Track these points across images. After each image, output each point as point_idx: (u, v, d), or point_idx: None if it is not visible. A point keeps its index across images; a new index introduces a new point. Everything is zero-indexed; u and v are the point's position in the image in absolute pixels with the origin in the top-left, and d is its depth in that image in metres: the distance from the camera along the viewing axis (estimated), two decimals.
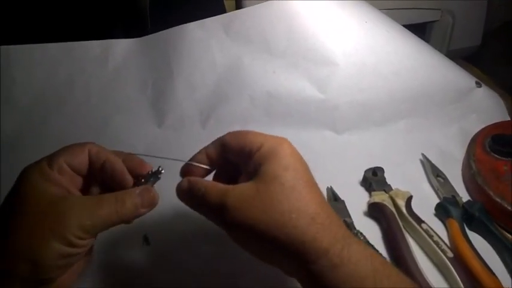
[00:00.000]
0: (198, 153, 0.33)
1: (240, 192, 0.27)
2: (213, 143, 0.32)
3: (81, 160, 0.30)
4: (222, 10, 0.60)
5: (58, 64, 0.54)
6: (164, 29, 0.55)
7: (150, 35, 0.56)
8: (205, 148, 0.33)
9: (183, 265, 0.38)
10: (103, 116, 0.52)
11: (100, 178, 0.31)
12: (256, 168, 0.28)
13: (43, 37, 0.54)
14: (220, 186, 0.28)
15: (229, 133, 0.32)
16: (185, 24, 0.55)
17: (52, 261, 0.26)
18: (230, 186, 0.28)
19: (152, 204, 0.31)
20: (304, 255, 0.25)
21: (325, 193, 0.44)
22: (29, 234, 0.26)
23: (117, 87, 0.54)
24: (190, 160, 0.33)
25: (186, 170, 0.33)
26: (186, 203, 0.31)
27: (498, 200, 0.40)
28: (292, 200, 0.26)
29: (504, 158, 0.44)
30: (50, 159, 0.29)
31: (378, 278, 0.25)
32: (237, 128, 0.54)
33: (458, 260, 0.36)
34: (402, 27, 0.55)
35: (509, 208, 0.39)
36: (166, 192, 0.44)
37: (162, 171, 0.32)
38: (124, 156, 0.32)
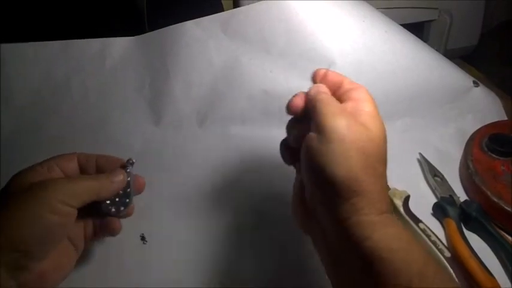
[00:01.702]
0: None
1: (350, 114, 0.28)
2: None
3: (72, 166, 0.33)
4: (219, 9, 0.60)
5: (55, 62, 0.53)
6: (162, 27, 0.55)
7: (148, 33, 0.55)
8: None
9: (179, 264, 0.38)
10: (100, 115, 0.52)
11: None
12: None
13: (40, 35, 0.53)
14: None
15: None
16: (182, 23, 0.54)
17: (38, 231, 0.27)
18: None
19: (122, 182, 0.34)
20: (364, 206, 0.26)
21: None
22: (16, 211, 0.27)
23: (114, 85, 0.53)
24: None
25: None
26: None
27: (495, 199, 0.40)
28: (372, 155, 0.27)
29: (501, 158, 0.44)
30: (42, 162, 0.32)
31: (421, 247, 0.26)
32: (234, 127, 0.55)
33: (456, 260, 0.36)
34: (400, 26, 0.55)
35: (507, 208, 0.40)
36: (163, 192, 0.44)
37: (134, 160, 0.37)
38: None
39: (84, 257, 0.37)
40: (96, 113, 0.53)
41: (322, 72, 0.33)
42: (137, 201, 0.43)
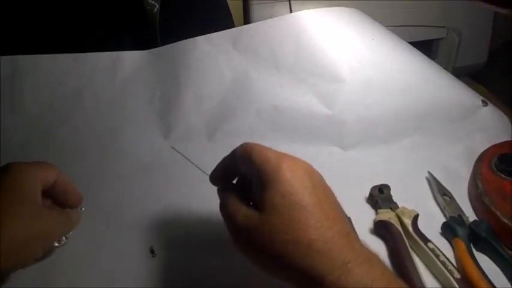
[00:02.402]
0: (219, 163, 0.35)
1: (247, 219, 0.28)
2: (230, 154, 0.34)
3: (51, 174, 0.36)
4: (230, 25, 0.61)
5: (66, 75, 0.54)
6: (173, 42, 0.56)
7: (159, 48, 0.56)
8: (223, 158, 0.35)
9: (187, 277, 0.38)
10: (110, 127, 0.53)
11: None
12: (258, 193, 0.29)
13: (53, 48, 0.54)
14: (240, 208, 0.30)
15: (239, 146, 0.33)
16: (194, 38, 0.55)
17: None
18: (244, 210, 0.29)
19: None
20: (302, 283, 0.26)
21: None
22: None
23: (125, 98, 0.54)
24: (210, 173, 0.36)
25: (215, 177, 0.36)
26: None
27: (505, 220, 0.40)
28: (289, 230, 0.26)
29: (511, 178, 0.44)
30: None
31: None
32: (243, 141, 0.55)
33: (466, 281, 0.36)
34: (408, 44, 0.56)
35: None
36: (175, 206, 0.45)
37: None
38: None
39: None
40: (107, 124, 0.53)
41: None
42: (146, 212, 0.44)
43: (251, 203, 0.31)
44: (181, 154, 0.39)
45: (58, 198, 0.38)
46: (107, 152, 0.51)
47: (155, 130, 0.53)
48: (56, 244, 0.38)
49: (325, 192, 0.29)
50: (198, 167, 0.39)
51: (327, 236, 0.26)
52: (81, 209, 0.41)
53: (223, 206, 0.32)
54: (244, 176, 0.34)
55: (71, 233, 0.39)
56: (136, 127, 0.53)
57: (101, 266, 0.38)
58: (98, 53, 0.55)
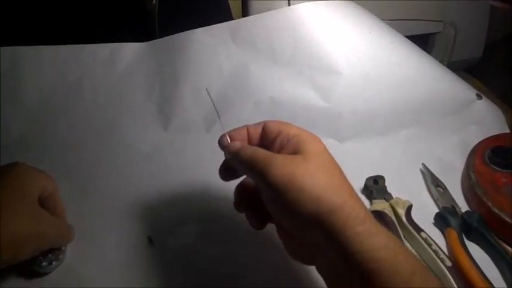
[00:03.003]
0: (240, 127, 0.35)
1: (285, 157, 0.29)
2: (256, 124, 0.34)
3: (50, 186, 0.38)
4: (229, 17, 0.61)
5: (66, 66, 0.54)
6: (172, 34, 0.56)
7: (158, 40, 0.57)
8: (248, 125, 0.35)
9: (186, 266, 0.38)
10: (110, 119, 0.53)
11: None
12: (296, 147, 0.30)
13: (52, 39, 0.55)
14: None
15: (269, 120, 0.34)
16: (192, 30, 0.56)
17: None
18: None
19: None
20: (343, 220, 0.26)
21: None
22: None
23: (124, 90, 0.54)
24: (230, 131, 0.35)
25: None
26: (233, 163, 0.33)
27: (497, 211, 0.41)
28: (335, 175, 0.29)
29: (503, 170, 0.45)
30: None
31: (408, 253, 0.27)
32: None
33: (456, 269, 0.37)
34: (405, 38, 0.56)
35: (508, 220, 0.40)
36: (173, 195, 0.45)
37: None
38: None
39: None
40: (106, 116, 0.54)
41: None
42: (145, 203, 0.45)
43: None
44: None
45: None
46: (106, 143, 0.52)
47: (154, 122, 0.54)
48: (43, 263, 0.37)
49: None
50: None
51: (356, 197, 0.28)
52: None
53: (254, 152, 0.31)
54: None
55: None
56: (135, 118, 0.53)
57: (100, 255, 0.39)
58: (97, 44, 0.55)
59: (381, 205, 0.42)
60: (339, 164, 0.49)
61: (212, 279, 0.37)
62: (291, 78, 0.55)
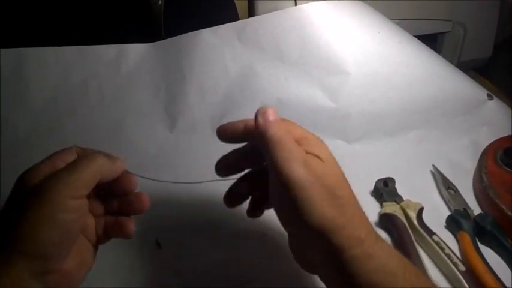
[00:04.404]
0: (238, 121, 0.33)
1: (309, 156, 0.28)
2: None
3: (72, 159, 0.31)
4: (235, 18, 0.61)
5: (72, 67, 0.54)
6: (178, 34, 0.56)
7: (164, 40, 0.56)
8: (246, 121, 0.33)
9: (193, 270, 0.38)
10: (115, 120, 0.53)
11: None
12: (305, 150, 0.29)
13: (57, 40, 0.54)
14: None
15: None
16: (199, 31, 0.55)
17: (50, 231, 0.26)
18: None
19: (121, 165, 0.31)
20: (342, 241, 0.26)
21: None
22: (26, 221, 0.26)
23: (130, 91, 0.54)
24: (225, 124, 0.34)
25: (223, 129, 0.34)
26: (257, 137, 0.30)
27: (510, 214, 0.40)
28: (339, 194, 0.27)
29: None
30: (43, 160, 0.30)
31: (408, 274, 0.26)
32: None
33: (471, 274, 0.36)
34: (414, 37, 0.56)
35: None
36: (180, 198, 0.45)
37: None
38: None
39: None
40: (112, 117, 0.53)
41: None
42: (152, 205, 0.44)
43: None
44: None
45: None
46: (112, 145, 0.51)
47: (160, 123, 0.53)
48: None
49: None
50: None
51: (362, 210, 0.28)
52: None
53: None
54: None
55: None
56: (141, 120, 0.53)
57: (107, 260, 0.38)
58: (102, 45, 0.55)
59: (391, 208, 0.42)
60: (348, 166, 0.48)
61: (218, 283, 0.37)
62: (298, 79, 0.55)
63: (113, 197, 0.32)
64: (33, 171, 0.29)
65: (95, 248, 0.32)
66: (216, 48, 0.56)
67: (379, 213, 0.42)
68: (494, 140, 0.49)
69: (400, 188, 0.45)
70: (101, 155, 0.30)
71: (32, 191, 0.27)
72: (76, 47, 0.54)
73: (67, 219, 0.27)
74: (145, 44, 0.56)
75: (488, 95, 0.53)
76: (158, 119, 0.53)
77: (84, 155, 0.30)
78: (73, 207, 0.27)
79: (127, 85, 0.54)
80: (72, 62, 0.54)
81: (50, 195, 0.27)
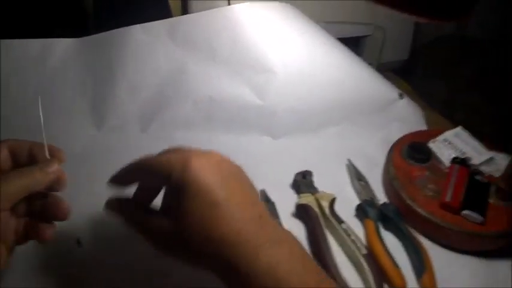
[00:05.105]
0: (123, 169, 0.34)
1: (161, 230, 0.30)
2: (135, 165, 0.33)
3: (3, 154, 0.31)
4: (168, 15, 0.61)
5: None
6: (107, 30, 0.55)
7: (92, 36, 0.55)
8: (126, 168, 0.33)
9: (115, 266, 0.39)
10: (38, 116, 0.51)
11: None
12: (169, 200, 0.30)
13: None
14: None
15: (139, 159, 0.33)
16: (129, 27, 0.55)
17: None
18: (155, 221, 0.30)
19: (57, 173, 0.31)
20: (222, 273, 0.28)
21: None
22: None
23: (55, 87, 0.53)
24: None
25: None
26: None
27: (409, 202, 0.45)
28: (202, 229, 0.28)
29: (417, 164, 0.49)
30: None
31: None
32: (178, 131, 0.56)
33: (371, 257, 0.40)
34: (336, 40, 0.59)
35: (418, 210, 0.44)
36: (98, 197, 0.45)
37: None
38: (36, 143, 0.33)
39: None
40: (35, 114, 0.52)
41: None
42: (73, 205, 0.44)
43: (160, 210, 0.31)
44: None
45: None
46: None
47: (87, 121, 0.53)
48: None
49: (237, 179, 0.30)
50: None
51: (238, 226, 0.28)
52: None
53: (133, 223, 0.32)
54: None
55: None
56: (67, 117, 0.52)
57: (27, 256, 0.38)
58: (27, 39, 0.53)
59: (307, 199, 0.45)
60: (272, 160, 0.51)
61: (141, 277, 0.38)
62: (228, 77, 0.57)
63: (38, 199, 0.32)
64: None
65: (11, 249, 0.31)
66: (148, 45, 0.56)
67: (295, 204, 0.45)
68: (403, 135, 0.54)
69: (317, 181, 0.48)
70: (35, 169, 0.30)
71: None
72: None
73: None
74: (73, 38, 0.55)
75: (399, 95, 0.58)
76: (85, 116, 0.53)
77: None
78: None
79: (52, 81, 0.53)
80: None
81: None
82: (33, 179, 0.30)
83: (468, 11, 0.30)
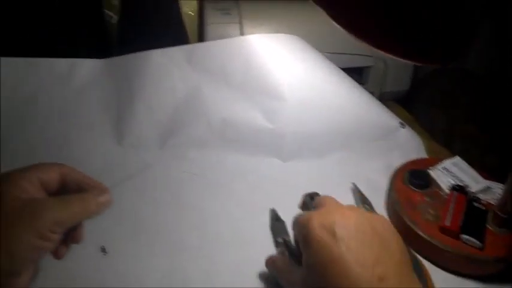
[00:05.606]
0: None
1: (293, 275, 0.36)
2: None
3: (53, 177, 0.33)
4: (185, 42, 0.65)
5: (21, 79, 0.55)
6: (129, 53, 0.59)
7: (115, 58, 0.59)
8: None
9: (137, 277, 0.41)
10: (64, 134, 0.54)
11: None
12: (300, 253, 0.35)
13: (9, 51, 0.55)
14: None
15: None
16: (150, 51, 0.59)
17: (26, 253, 0.29)
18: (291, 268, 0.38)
19: (108, 203, 0.35)
20: None
21: (268, 214, 0.49)
22: (6, 231, 0.28)
23: (79, 105, 0.56)
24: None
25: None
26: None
27: (411, 225, 0.48)
28: (324, 283, 0.30)
29: (418, 190, 0.52)
30: (22, 170, 0.32)
31: None
32: (192, 151, 0.59)
33: None
34: (340, 70, 0.63)
35: (419, 233, 0.47)
36: (125, 206, 0.47)
37: None
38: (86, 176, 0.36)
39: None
40: (60, 131, 0.55)
41: None
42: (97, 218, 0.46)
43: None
44: None
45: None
46: (59, 159, 0.52)
47: (108, 138, 0.56)
48: None
49: (358, 237, 0.31)
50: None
51: (358, 283, 0.29)
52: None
53: (276, 268, 0.39)
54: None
55: None
56: (89, 135, 0.55)
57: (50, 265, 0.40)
58: (54, 58, 0.57)
59: None
60: (282, 182, 0.54)
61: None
62: (241, 101, 0.60)
63: None
64: (14, 186, 0.30)
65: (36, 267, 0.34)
66: (166, 68, 0.59)
67: None
68: (403, 162, 0.57)
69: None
70: (91, 197, 0.33)
71: (19, 212, 0.29)
72: (27, 59, 0.56)
73: (42, 246, 0.29)
74: (98, 59, 0.58)
75: (400, 124, 0.61)
76: (106, 134, 0.56)
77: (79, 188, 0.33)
78: (50, 238, 0.30)
79: (77, 100, 0.56)
80: (23, 74, 0.55)
81: (33, 222, 0.29)
82: (86, 207, 0.32)
83: (455, 56, 0.33)
